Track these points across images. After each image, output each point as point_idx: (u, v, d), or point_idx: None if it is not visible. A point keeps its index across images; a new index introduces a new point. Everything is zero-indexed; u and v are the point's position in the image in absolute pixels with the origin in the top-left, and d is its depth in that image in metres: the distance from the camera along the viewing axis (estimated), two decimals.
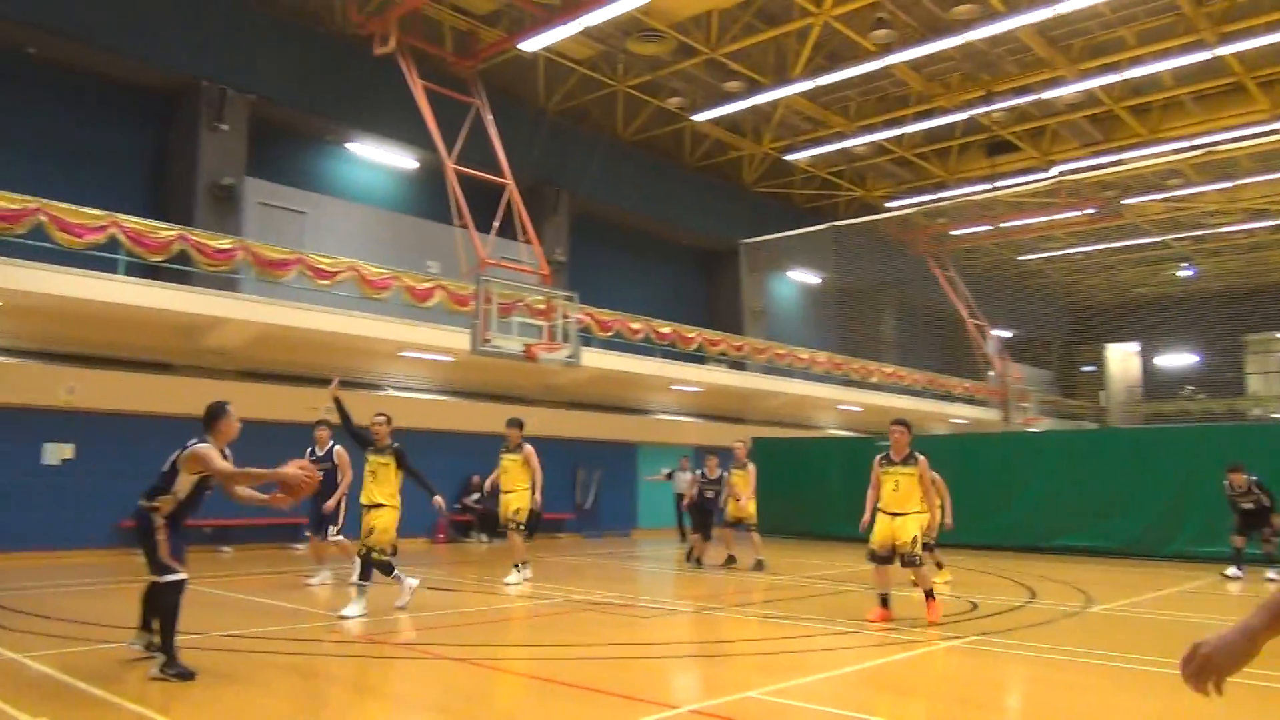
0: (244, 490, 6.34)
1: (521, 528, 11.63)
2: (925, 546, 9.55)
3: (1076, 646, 7.78)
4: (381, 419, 9.18)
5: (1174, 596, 11.22)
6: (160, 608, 6.01)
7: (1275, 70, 19.83)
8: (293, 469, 6.09)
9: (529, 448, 11.58)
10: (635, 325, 20.81)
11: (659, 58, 19.38)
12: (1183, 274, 36.25)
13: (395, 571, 8.86)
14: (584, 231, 23.21)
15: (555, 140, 22.00)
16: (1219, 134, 21.85)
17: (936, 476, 9.95)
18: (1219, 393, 38.08)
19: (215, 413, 6.69)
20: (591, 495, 21.10)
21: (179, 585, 6.02)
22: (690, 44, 18.86)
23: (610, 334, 20.22)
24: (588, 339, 18.95)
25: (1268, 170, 24.51)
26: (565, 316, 16.32)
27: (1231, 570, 12.75)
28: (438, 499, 9.07)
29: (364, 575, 8.79)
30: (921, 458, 9.18)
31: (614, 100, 22.62)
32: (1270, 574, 12.49)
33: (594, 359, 18.92)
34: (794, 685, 6.17)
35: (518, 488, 11.59)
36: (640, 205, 24.53)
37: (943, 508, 11.34)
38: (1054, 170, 24.22)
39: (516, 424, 11.78)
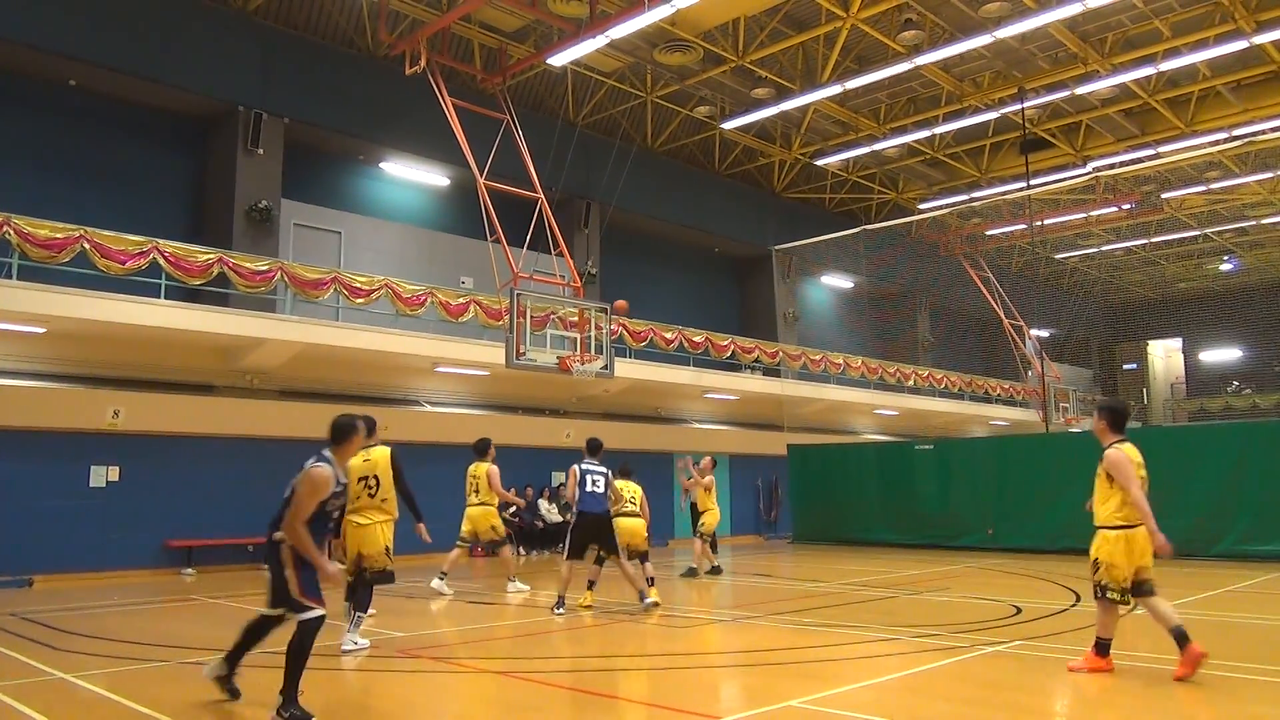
0: (297, 535, 5.52)
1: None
2: None
3: (1123, 650, 7.64)
4: None
5: (1223, 597, 10.99)
6: (292, 648, 5.45)
7: None
8: (333, 569, 5.77)
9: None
10: (668, 334, 20.83)
11: (686, 67, 19.42)
12: (1225, 267, 35.55)
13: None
14: (615, 243, 23.29)
15: (585, 153, 22.11)
16: (1259, 124, 21.42)
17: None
18: (1265, 387, 37.25)
19: (345, 429, 5.93)
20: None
21: (316, 624, 5.53)
22: (717, 52, 18.88)
23: (643, 344, 20.24)
24: (621, 350, 18.99)
25: None
26: (598, 328, 16.36)
27: None
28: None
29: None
30: (1110, 450, 6.71)
31: (643, 111, 22.70)
32: None
33: (628, 369, 18.96)
34: (836, 694, 6.12)
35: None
36: (671, 214, 24.56)
37: None
38: (1089, 166, 23.89)
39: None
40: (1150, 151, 23.09)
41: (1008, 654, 7.50)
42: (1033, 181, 24.12)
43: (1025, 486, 17.73)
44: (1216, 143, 22.35)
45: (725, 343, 22.33)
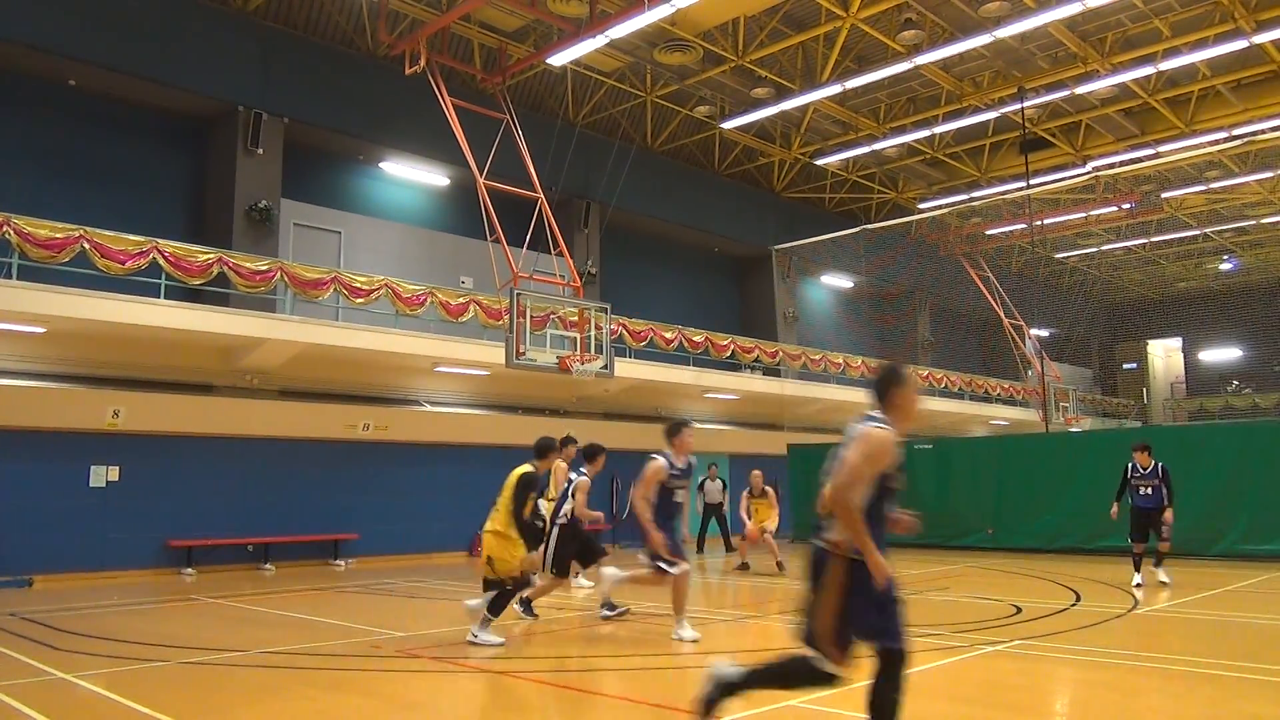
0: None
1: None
2: None
3: (1125, 649, 7.65)
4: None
5: (1223, 596, 10.99)
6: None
7: None
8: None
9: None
10: (668, 334, 20.83)
11: (686, 67, 19.44)
12: (1225, 267, 35.54)
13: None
14: (615, 242, 23.30)
15: (585, 153, 22.12)
16: (1258, 123, 21.41)
17: None
18: (1265, 387, 37.26)
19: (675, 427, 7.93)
20: (628, 506, 21.07)
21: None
22: (717, 52, 18.89)
23: (643, 344, 20.25)
24: (621, 349, 18.99)
25: None
26: (598, 328, 16.37)
27: None
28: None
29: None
30: None
31: (642, 111, 22.71)
32: None
33: (627, 369, 18.96)
34: (835, 694, 6.11)
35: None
36: (671, 214, 24.57)
37: None
38: (1089, 166, 23.89)
39: None
40: (1150, 151, 23.08)
41: (1008, 653, 7.50)
42: (1032, 181, 24.13)
43: (1025, 486, 17.74)
44: (1216, 142, 22.34)
45: (725, 342, 22.33)
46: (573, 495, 10.37)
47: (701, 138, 24.06)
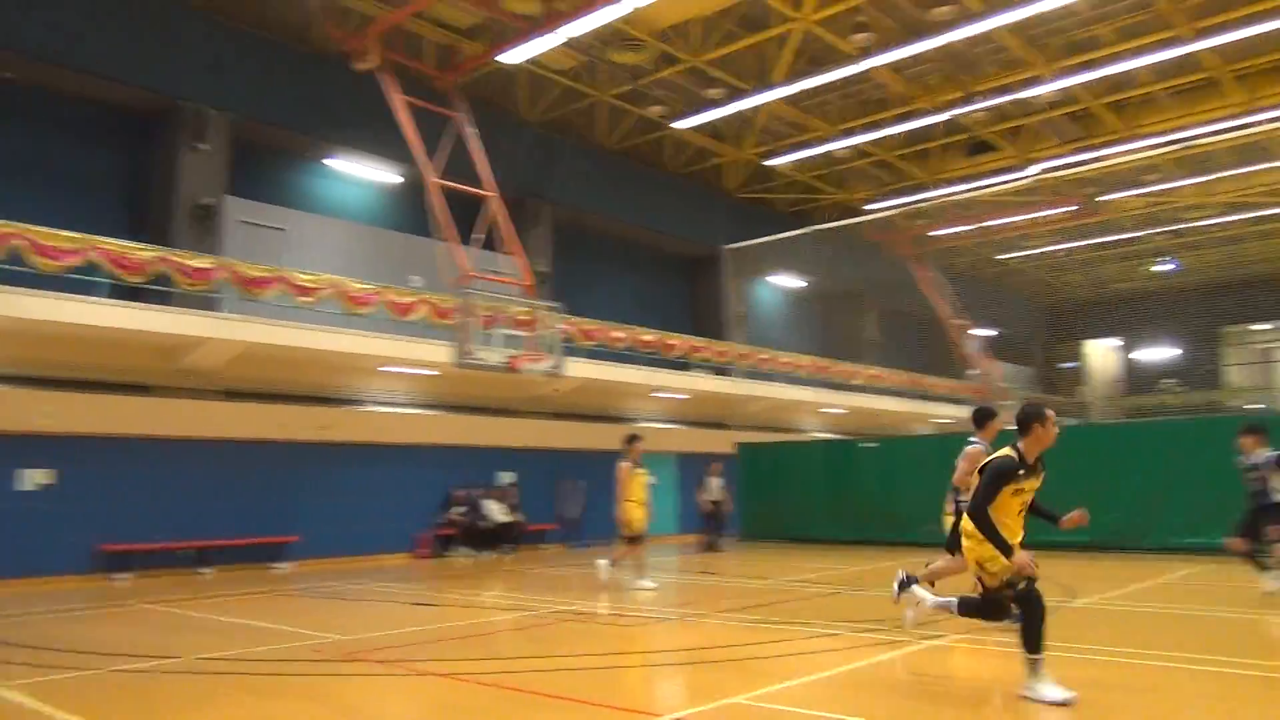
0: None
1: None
2: None
3: (1060, 641, 7.80)
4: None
5: (1155, 588, 11.28)
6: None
7: (1249, 64, 19.98)
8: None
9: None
10: (618, 333, 20.81)
11: (640, 67, 19.43)
12: (1161, 268, 36.47)
13: None
14: (567, 241, 23.23)
15: (538, 151, 22.04)
16: (1195, 128, 21.99)
17: None
18: (1198, 385, 38.38)
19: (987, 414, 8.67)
20: (578, 505, 21.05)
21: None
22: (671, 52, 18.91)
23: (594, 343, 20.22)
24: (572, 349, 18.95)
25: (1243, 164, 24.72)
26: (548, 327, 16.29)
27: None
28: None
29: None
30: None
31: (596, 110, 22.65)
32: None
33: (578, 369, 18.91)
34: (779, 690, 6.16)
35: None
36: (623, 214, 24.56)
37: None
38: (1034, 168, 24.34)
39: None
40: (1092, 154, 23.57)
41: (948, 647, 7.62)
42: (978, 184, 24.56)
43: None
44: (1155, 146, 22.92)
45: (675, 342, 22.38)
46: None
47: (655, 137, 24.07)
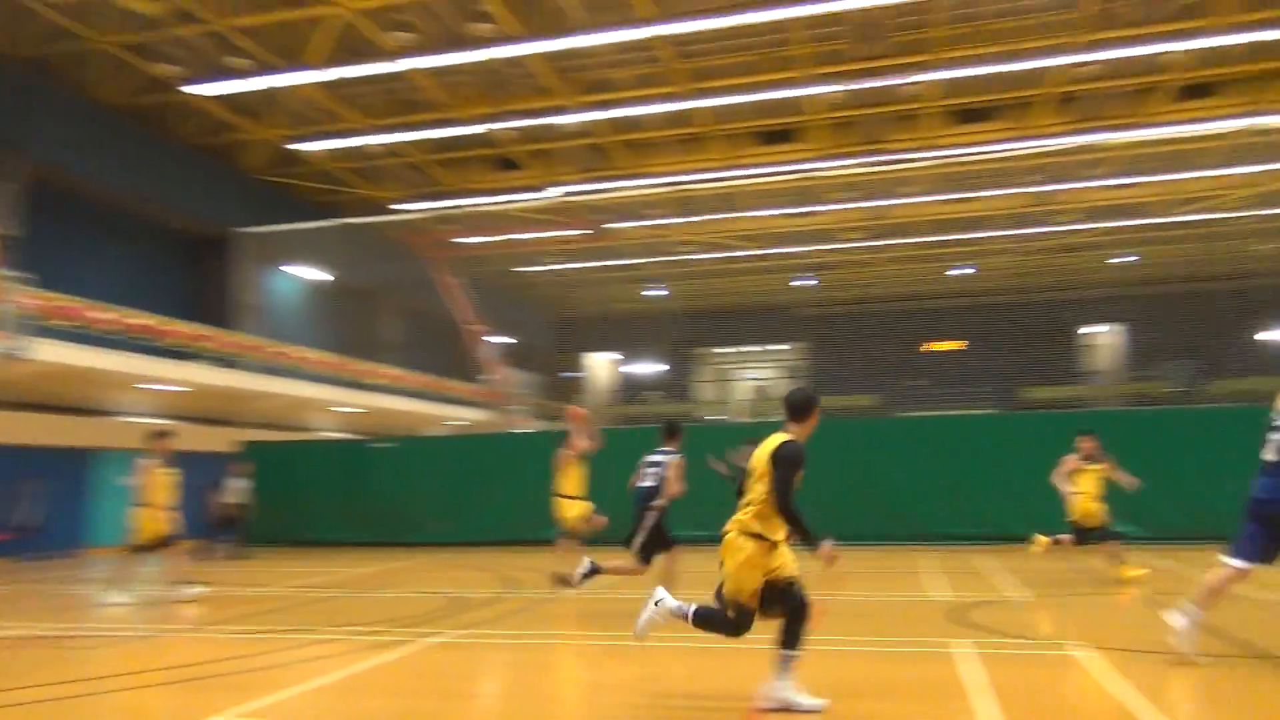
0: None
1: None
2: None
3: (556, 630, 8.46)
4: None
5: (639, 579, 12.62)
6: None
7: (730, 125, 23.43)
8: None
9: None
10: (101, 314, 18.24)
11: (153, 18, 17.30)
12: (655, 293, 41.32)
13: None
14: (48, 203, 19.82)
15: (14, 93, 18.58)
16: (686, 174, 25.30)
17: None
18: (677, 398, 44.27)
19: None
20: (36, 511, 18.00)
21: None
22: (191, 11, 17.12)
23: (76, 323, 17.51)
24: (45, 329, 16.23)
25: (724, 210, 29.10)
26: (6, 300, 13.79)
27: None
28: None
29: None
30: None
31: (94, 57, 19.64)
32: None
33: (50, 352, 16.22)
34: (269, 703, 5.84)
35: None
36: (118, 179, 21.64)
37: None
38: (554, 190, 26.14)
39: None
40: (605, 185, 25.95)
41: (450, 643, 7.82)
42: (503, 198, 25.76)
43: (480, 483, 18.73)
44: (657, 185, 25.97)
45: (175, 328, 20.23)
46: None
47: (164, 100, 21.50)
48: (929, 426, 19.84)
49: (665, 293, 41.05)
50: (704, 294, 42.24)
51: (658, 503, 8.85)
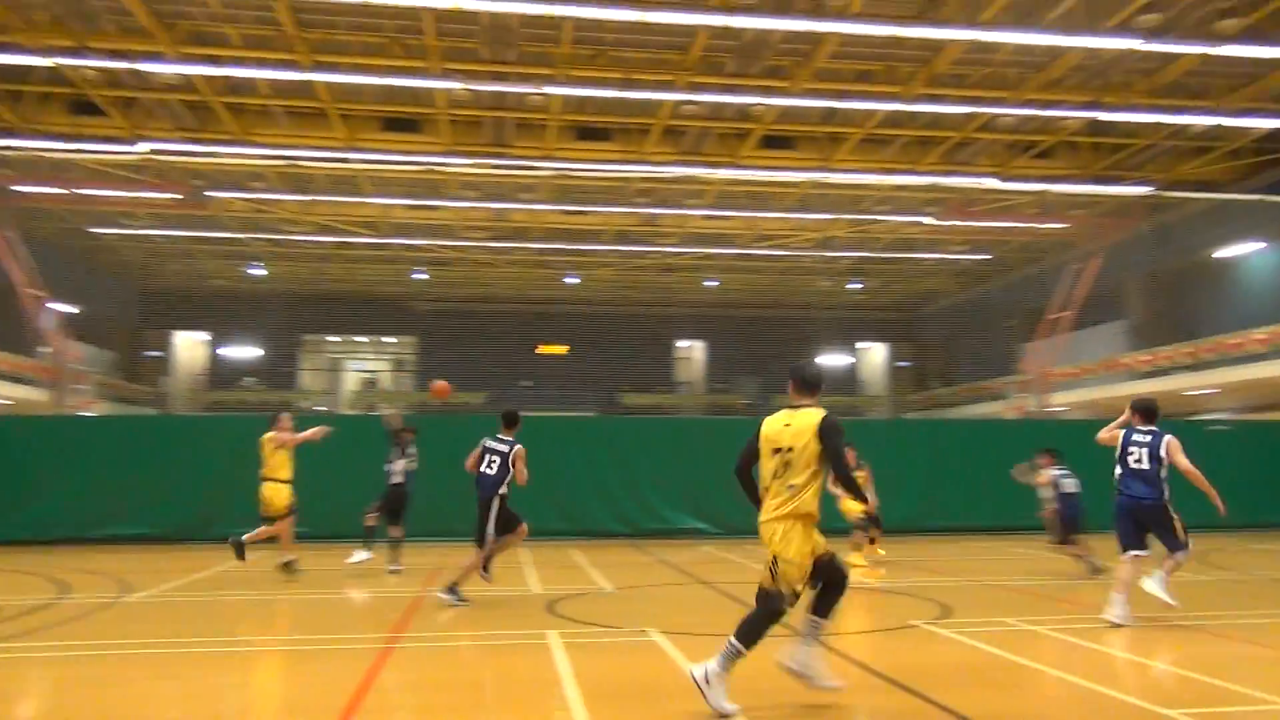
0: None
1: None
2: None
3: (111, 639, 7.52)
4: None
5: (213, 578, 11.66)
6: None
7: (353, 105, 22.38)
8: None
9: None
10: None
11: None
12: (255, 272, 38.44)
13: None
14: None
15: None
16: (302, 150, 23.79)
17: None
18: (277, 385, 41.58)
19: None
20: None
21: None
22: None
23: None
24: None
25: (339, 193, 27.83)
26: None
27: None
28: None
29: None
30: None
31: None
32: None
33: None
34: None
35: None
36: None
37: None
38: (143, 146, 23.23)
39: None
40: (205, 148, 23.57)
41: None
42: (79, 146, 22.49)
43: (18, 472, 16.16)
44: (265, 156, 24.13)
45: None
46: None
47: None
48: (534, 426, 20.51)
49: (263, 272, 38.36)
50: (314, 278, 40.17)
51: (503, 491, 9.28)
